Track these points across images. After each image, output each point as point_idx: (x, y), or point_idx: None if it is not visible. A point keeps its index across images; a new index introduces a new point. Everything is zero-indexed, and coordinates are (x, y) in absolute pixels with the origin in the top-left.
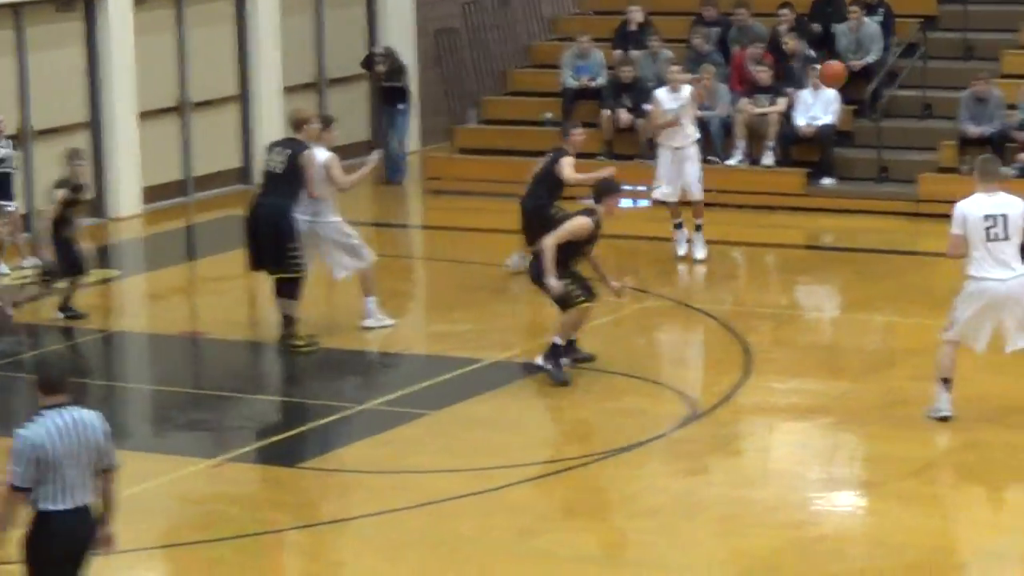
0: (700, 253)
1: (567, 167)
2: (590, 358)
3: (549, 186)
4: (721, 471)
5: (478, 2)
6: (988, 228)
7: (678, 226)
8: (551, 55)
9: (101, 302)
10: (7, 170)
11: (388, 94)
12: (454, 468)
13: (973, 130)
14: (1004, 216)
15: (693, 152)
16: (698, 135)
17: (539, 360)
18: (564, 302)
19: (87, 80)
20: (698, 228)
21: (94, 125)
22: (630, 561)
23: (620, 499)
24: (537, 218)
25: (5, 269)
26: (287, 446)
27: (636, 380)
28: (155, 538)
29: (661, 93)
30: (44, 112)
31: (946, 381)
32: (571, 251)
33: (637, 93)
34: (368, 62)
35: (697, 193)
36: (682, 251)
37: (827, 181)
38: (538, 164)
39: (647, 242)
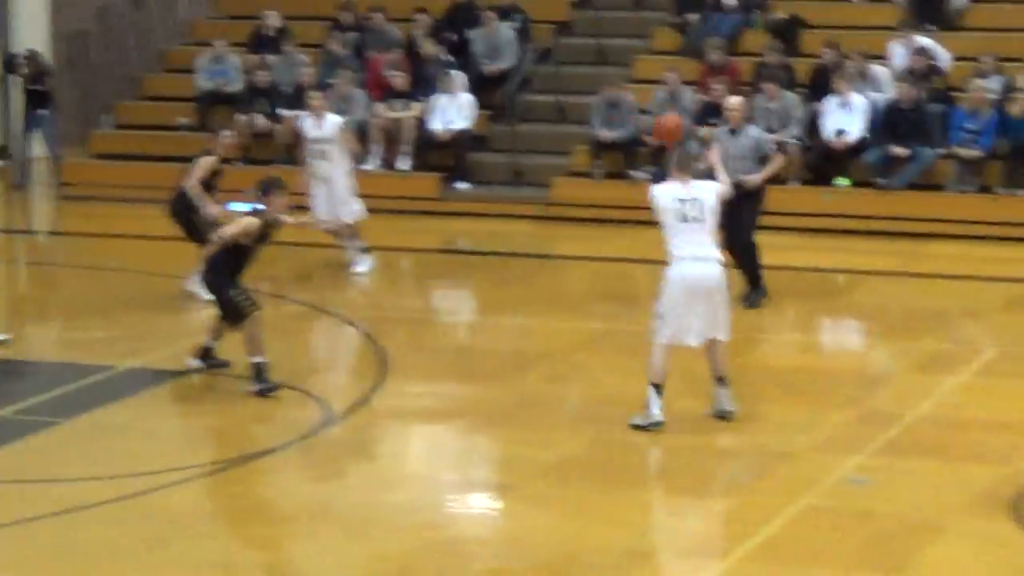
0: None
1: (195, 169)
2: (226, 364)
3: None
4: (356, 475)
5: (112, 7)
6: (681, 210)
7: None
8: (186, 60)
9: None
10: None
11: (32, 98)
12: (88, 476)
13: (606, 134)
14: (698, 200)
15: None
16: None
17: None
18: (236, 316)
19: None
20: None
21: None
22: (263, 567)
23: (254, 505)
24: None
25: None
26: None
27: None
28: None
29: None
30: None
31: (657, 387)
32: (241, 256)
33: (274, 98)
34: (8, 64)
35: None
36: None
37: (462, 185)
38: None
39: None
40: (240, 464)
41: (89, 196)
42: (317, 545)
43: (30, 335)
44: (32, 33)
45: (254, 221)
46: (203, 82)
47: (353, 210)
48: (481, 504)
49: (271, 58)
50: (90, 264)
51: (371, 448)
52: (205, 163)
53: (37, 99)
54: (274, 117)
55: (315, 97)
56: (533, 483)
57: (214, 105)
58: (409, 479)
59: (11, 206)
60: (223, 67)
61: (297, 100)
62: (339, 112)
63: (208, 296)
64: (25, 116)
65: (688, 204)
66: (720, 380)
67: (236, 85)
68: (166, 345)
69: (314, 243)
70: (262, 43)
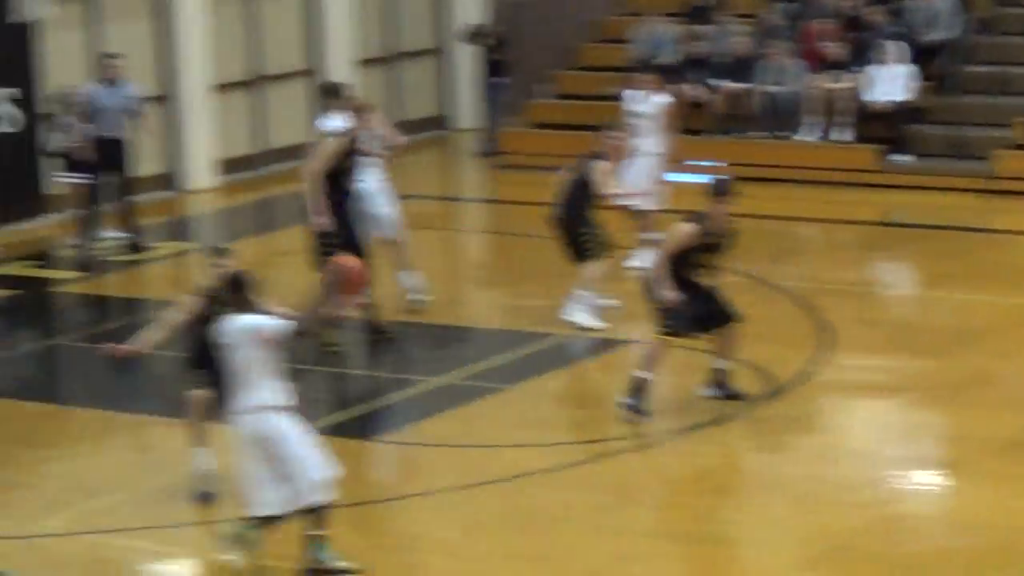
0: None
1: (599, 178)
2: (740, 396)
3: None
4: (800, 448)
5: None
6: None
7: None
8: (620, 30)
9: (176, 274)
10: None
11: (493, 67)
12: (531, 443)
13: None
14: None
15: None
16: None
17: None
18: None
19: (159, 53)
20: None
21: (167, 98)
22: (706, 537)
23: (697, 475)
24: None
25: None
26: (365, 420)
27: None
28: (235, 510)
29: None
30: None
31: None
32: (684, 263)
33: (709, 68)
34: (473, 36)
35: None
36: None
37: (902, 157)
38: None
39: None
40: (684, 434)
41: (526, 165)
42: (760, 517)
43: (473, 301)
44: (471, 4)
45: (690, 229)
46: (638, 52)
47: (654, 196)
48: (927, 481)
49: (706, 28)
50: (528, 232)
51: (815, 421)
52: (603, 169)
53: (495, 68)
54: (709, 87)
55: (646, 79)
56: (982, 461)
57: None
58: (853, 453)
59: (450, 174)
60: (657, 37)
61: (732, 70)
62: (775, 83)
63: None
64: (485, 86)
65: None
66: None
67: (670, 55)
68: (608, 315)
69: (757, 214)
70: (697, 13)
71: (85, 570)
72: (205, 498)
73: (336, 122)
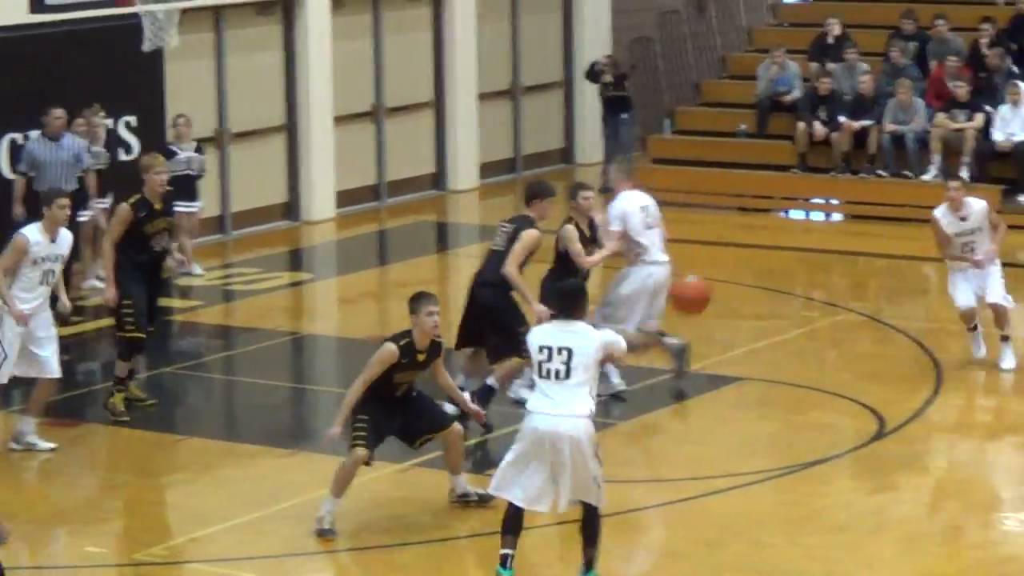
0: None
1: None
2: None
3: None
4: (909, 488)
5: (674, 13)
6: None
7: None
8: (747, 66)
9: (292, 304)
10: (189, 172)
11: (612, 103)
12: (639, 479)
13: None
14: None
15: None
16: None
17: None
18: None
19: (284, 84)
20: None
21: (290, 129)
22: None
23: (808, 514)
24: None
25: (199, 270)
26: (474, 452)
27: (825, 394)
28: (342, 541)
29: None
30: (240, 115)
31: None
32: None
33: (833, 106)
34: (592, 73)
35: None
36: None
37: (1023, 198)
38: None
39: (838, 256)
40: (794, 472)
41: None
42: (868, 557)
43: None
44: (595, 38)
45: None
46: (763, 89)
47: None
48: None
49: (832, 66)
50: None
51: (925, 461)
52: (571, 235)
53: (618, 104)
54: (834, 125)
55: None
56: None
57: (773, 112)
58: (963, 495)
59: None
60: (784, 74)
61: (857, 108)
62: (897, 122)
63: None
64: (605, 121)
65: None
66: None
67: (796, 92)
68: (721, 351)
69: (868, 252)
70: (823, 50)
71: None
72: (324, 534)
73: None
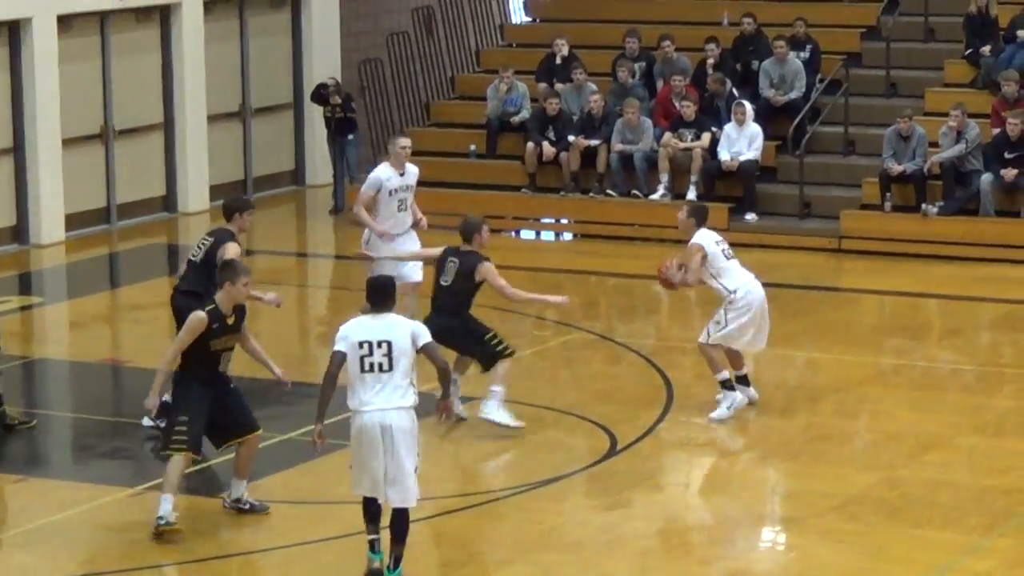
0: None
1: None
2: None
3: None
4: (642, 505)
5: (404, 33)
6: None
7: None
8: (476, 87)
9: (22, 329)
10: None
11: (338, 125)
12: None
13: (896, 167)
14: None
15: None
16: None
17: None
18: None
19: (10, 108)
20: None
21: (15, 152)
22: None
23: (542, 532)
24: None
25: None
26: (207, 475)
27: (558, 413)
28: (75, 566)
29: None
30: None
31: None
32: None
33: (562, 126)
34: (319, 95)
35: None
36: None
37: (750, 216)
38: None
39: (569, 275)
40: (529, 491)
41: None
42: (603, 573)
43: (322, 358)
44: (325, 60)
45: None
46: (493, 110)
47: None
48: (770, 538)
49: (560, 86)
50: None
51: (657, 478)
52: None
53: (344, 126)
54: (563, 145)
55: None
56: (823, 518)
57: (503, 132)
58: (695, 510)
59: (301, 230)
60: (513, 95)
61: (585, 128)
62: (625, 141)
63: None
64: (330, 143)
65: None
66: None
67: (525, 113)
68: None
69: (599, 271)
70: (551, 71)
71: None
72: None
73: None
